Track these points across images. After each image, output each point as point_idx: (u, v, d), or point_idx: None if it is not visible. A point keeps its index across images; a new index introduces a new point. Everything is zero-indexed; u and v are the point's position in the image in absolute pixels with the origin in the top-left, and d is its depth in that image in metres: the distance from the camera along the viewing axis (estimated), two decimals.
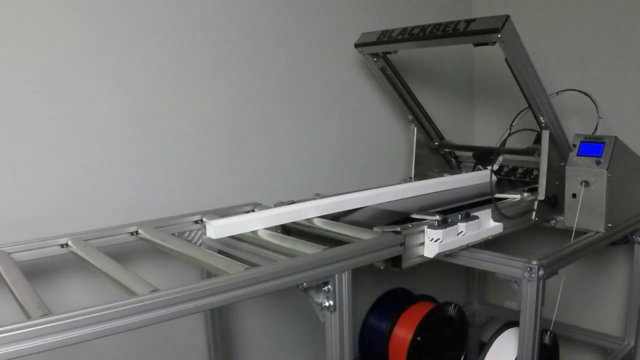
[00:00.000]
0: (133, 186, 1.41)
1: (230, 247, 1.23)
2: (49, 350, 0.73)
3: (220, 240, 1.24)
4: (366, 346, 1.80)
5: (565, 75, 2.02)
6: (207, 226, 1.21)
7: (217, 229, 1.20)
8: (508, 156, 1.88)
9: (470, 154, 1.98)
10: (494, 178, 1.83)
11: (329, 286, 1.04)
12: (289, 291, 1.03)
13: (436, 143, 1.98)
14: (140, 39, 1.39)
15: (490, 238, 1.38)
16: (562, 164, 1.58)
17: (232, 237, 1.24)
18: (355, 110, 1.90)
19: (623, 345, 1.81)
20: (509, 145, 1.89)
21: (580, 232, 1.51)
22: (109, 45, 1.34)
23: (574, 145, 1.56)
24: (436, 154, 2.02)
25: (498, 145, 1.84)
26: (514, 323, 1.50)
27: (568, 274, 2.06)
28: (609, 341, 1.89)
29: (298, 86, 1.73)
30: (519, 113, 1.94)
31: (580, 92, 1.85)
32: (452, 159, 2.05)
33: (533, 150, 1.65)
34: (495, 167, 1.84)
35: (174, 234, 1.25)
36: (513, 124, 1.93)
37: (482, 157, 1.89)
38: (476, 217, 1.32)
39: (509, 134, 1.86)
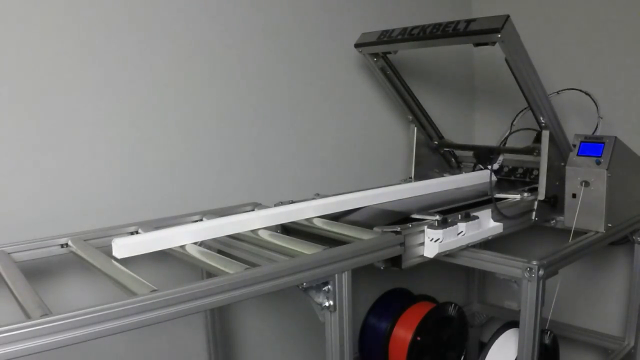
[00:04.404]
0: (133, 186, 1.41)
1: (230, 247, 1.23)
2: (49, 350, 0.73)
3: (220, 240, 1.24)
4: (366, 346, 1.80)
5: (565, 75, 2.01)
6: (113, 245, 1.09)
7: (122, 248, 1.08)
8: (508, 156, 1.88)
9: (470, 153, 1.98)
10: (494, 178, 1.83)
11: (329, 286, 1.04)
12: (289, 291, 1.03)
13: (435, 142, 1.98)
14: (139, 39, 1.39)
15: (490, 238, 1.38)
16: (562, 164, 1.58)
17: (232, 237, 1.24)
18: (355, 110, 1.90)
19: (623, 345, 1.81)
20: (509, 144, 1.89)
21: (580, 232, 1.51)
22: (109, 48, 1.34)
23: (574, 145, 1.56)
24: (436, 154, 2.02)
25: (498, 145, 1.84)
26: (514, 323, 1.50)
27: (568, 273, 2.07)
28: (609, 341, 1.89)
29: (298, 86, 1.73)
30: (519, 112, 1.94)
31: (581, 91, 1.85)
32: (452, 158, 2.04)
33: (533, 149, 1.66)
34: (496, 166, 1.84)
35: None
36: (514, 123, 1.93)
37: (483, 156, 1.89)
38: (476, 217, 1.32)
39: (509, 134, 1.86)
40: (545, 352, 1.50)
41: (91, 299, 1.33)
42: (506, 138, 1.87)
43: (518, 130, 1.90)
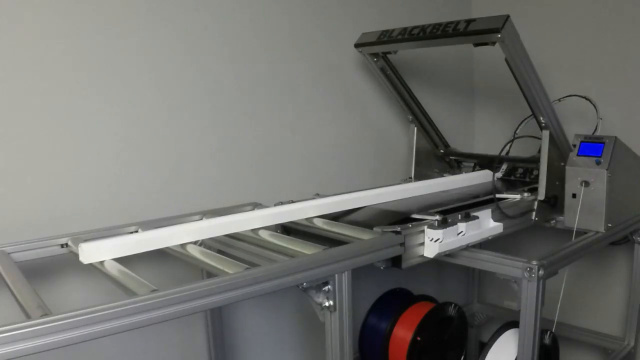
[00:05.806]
0: (133, 186, 1.41)
1: (230, 247, 1.22)
2: (49, 350, 0.73)
3: (220, 240, 1.24)
4: (366, 346, 1.80)
5: (565, 74, 2.02)
6: (79, 249, 1.05)
7: (88, 253, 1.04)
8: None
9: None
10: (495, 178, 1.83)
11: (329, 286, 1.04)
12: (289, 291, 1.03)
13: (441, 151, 1.99)
14: (141, 40, 1.39)
15: (490, 238, 1.38)
16: (562, 164, 1.58)
17: (232, 237, 1.24)
18: (355, 110, 1.90)
19: (623, 345, 1.81)
20: (513, 150, 1.89)
21: (580, 232, 1.51)
22: (110, 47, 1.34)
23: (574, 146, 1.56)
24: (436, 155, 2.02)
25: (500, 151, 1.84)
26: (514, 323, 1.50)
27: (568, 274, 2.07)
28: (609, 341, 1.89)
29: (298, 86, 1.73)
30: (523, 121, 1.93)
31: (581, 97, 1.85)
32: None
33: (538, 159, 1.65)
34: (499, 174, 1.85)
35: None
36: (517, 132, 1.93)
37: (486, 165, 1.90)
38: (476, 217, 1.32)
39: (512, 141, 1.86)
40: (545, 352, 1.50)
41: (91, 299, 1.33)
42: (510, 145, 1.86)
43: (520, 137, 1.90)
